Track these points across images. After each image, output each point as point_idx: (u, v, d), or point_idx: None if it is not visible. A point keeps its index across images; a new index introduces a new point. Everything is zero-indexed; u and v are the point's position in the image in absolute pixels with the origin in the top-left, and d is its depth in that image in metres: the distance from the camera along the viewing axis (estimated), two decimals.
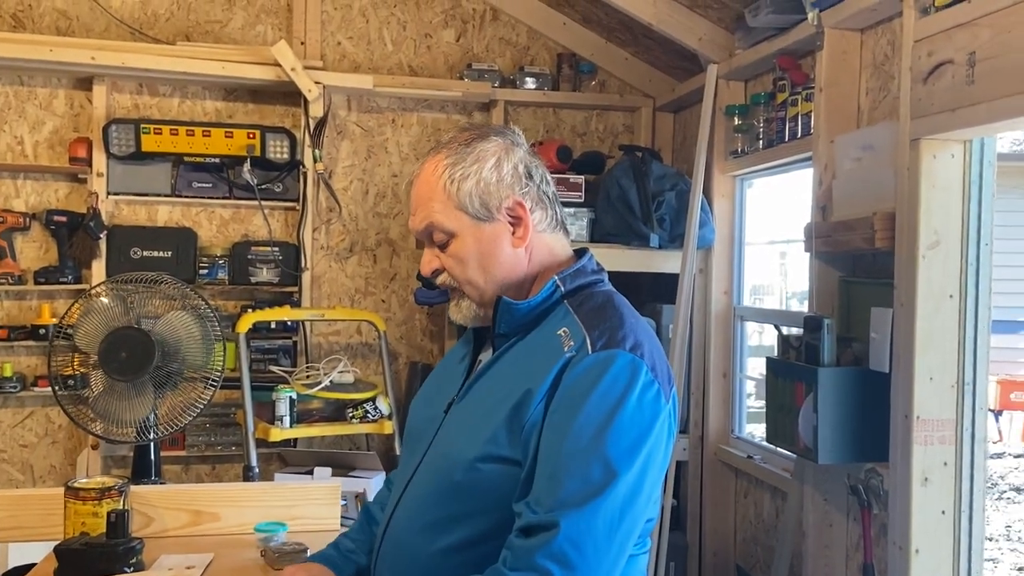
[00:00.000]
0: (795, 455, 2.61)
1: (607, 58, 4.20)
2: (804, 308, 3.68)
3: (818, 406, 2.39)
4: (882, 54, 2.62)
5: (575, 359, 1.37)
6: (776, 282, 4.51)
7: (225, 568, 1.92)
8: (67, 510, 1.99)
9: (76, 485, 2.01)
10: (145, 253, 3.81)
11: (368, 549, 1.68)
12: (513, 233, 1.49)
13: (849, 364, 2.47)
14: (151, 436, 2.38)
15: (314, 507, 2.24)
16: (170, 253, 3.84)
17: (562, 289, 1.49)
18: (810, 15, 2.72)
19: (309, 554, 1.93)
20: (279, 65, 3.62)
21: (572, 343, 1.38)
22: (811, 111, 2.87)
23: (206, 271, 3.87)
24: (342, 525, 2.23)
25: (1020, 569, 5.28)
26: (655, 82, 4.20)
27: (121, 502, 2.03)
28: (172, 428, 2.37)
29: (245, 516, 2.18)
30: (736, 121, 3.37)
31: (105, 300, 2.29)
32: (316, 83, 3.65)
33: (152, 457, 2.46)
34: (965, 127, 2.07)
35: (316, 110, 3.70)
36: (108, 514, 1.87)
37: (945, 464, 2.26)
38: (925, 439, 2.24)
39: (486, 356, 1.56)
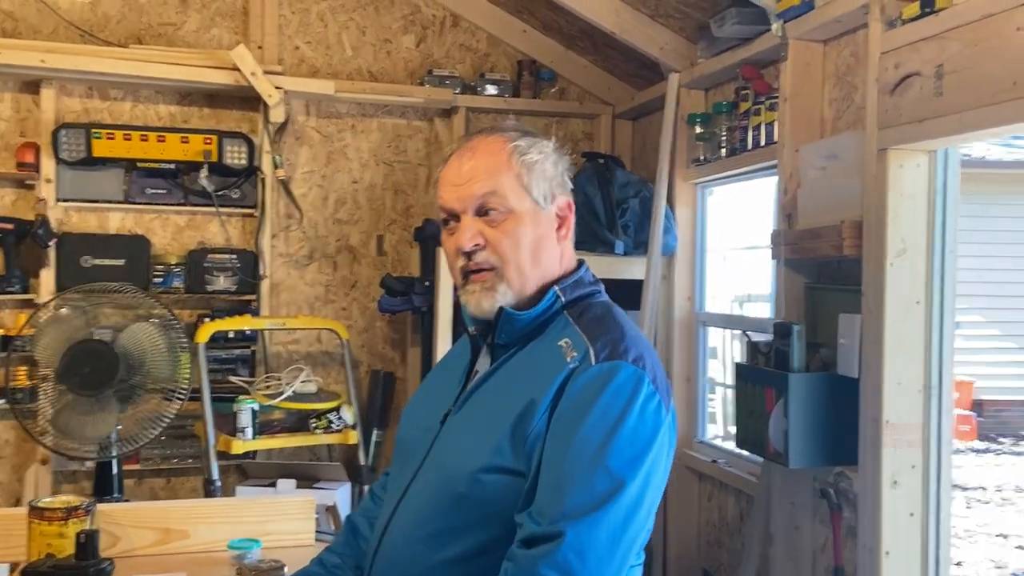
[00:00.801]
0: (765, 459, 2.64)
1: (567, 66, 4.21)
2: (751, 311, 3.74)
3: (789, 411, 2.42)
4: (844, 65, 2.67)
5: (578, 370, 1.37)
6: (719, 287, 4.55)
7: None
8: (31, 531, 1.92)
9: (40, 505, 1.94)
10: (96, 261, 3.71)
11: (354, 563, 1.65)
12: (558, 230, 1.49)
13: (818, 369, 2.51)
14: (114, 452, 2.30)
15: (287, 522, 2.20)
16: (123, 261, 3.74)
17: (562, 299, 1.49)
18: (775, 26, 2.76)
19: (289, 571, 1.89)
20: (238, 69, 3.56)
21: (575, 354, 1.38)
22: (774, 120, 2.91)
23: (160, 280, 3.78)
24: (317, 540, 2.20)
25: (958, 564, 5.41)
26: (614, 90, 4.22)
27: (88, 522, 1.97)
28: (137, 443, 2.30)
29: (216, 533, 2.13)
30: (698, 129, 3.40)
31: (65, 311, 2.21)
32: (277, 88, 3.60)
33: (114, 473, 2.39)
34: (933, 137, 2.12)
35: (277, 115, 3.64)
36: (77, 535, 1.81)
37: (913, 467, 2.30)
38: (894, 442, 2.29)
39: (483, 366, 1.55)
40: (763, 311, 3.51)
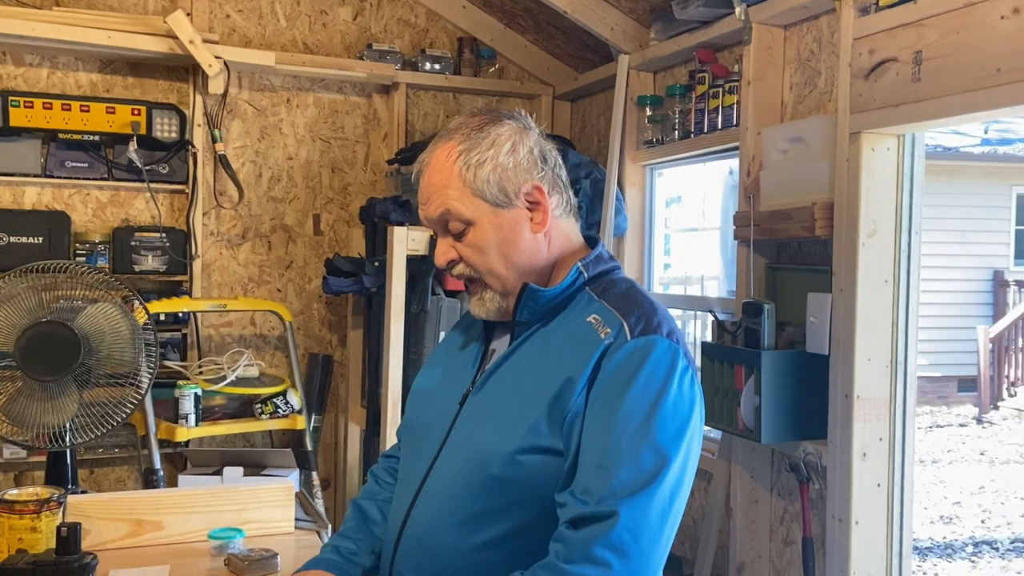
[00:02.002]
0: (733, 436, 2.69)
1: (506, 44, 4.17)
2: (692, 291, 3.81)
3: (761, 388, 2.47)
4: (807, 51, 2.73)
5: (613, 346, 1.36)
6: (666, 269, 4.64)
7: None
8: (0, 526, 1.78)
9: (8, 498, 1.80)
10: (12, 239, 3.47)
11: (370, 549, 1.60)
12: (532, 219, 1.46)
13: (785, 347, 2.57)
14: (70, 441, 2.16)
15: (266, 510, 2.11)
16: (41, 239, 3.51)
17: (585, 276, 1.47)
18: (738, 10, 2.80)
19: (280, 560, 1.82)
20: (172, 36, 3.37)
21: (609, 330, 1.37)
22: (733, 104, 2.96)
23: (83, 259, 3.55)
24: (296, 528, 2.12)
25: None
26: (553, 71, 4.21)
27: (60, 514, 1.84)
28: (99, 430, 2.16)
29: (191, 523, 2.03)
30: (648, 112, 3.43)
31: (18, 290, 2.05)
32: (217, 58, 3.42)
33: (69, 463, 2.24)
34: (910, 122, 2.19)
35: (216, 87, 3.47)
36: (58, 528, 1.69)
37: (880, 439, 2.39)
38: (864, 416, 2.37)
39: (501, 345, 1.52)
40: (711, 291, 3.58)
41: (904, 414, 2.41)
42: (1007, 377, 10.71)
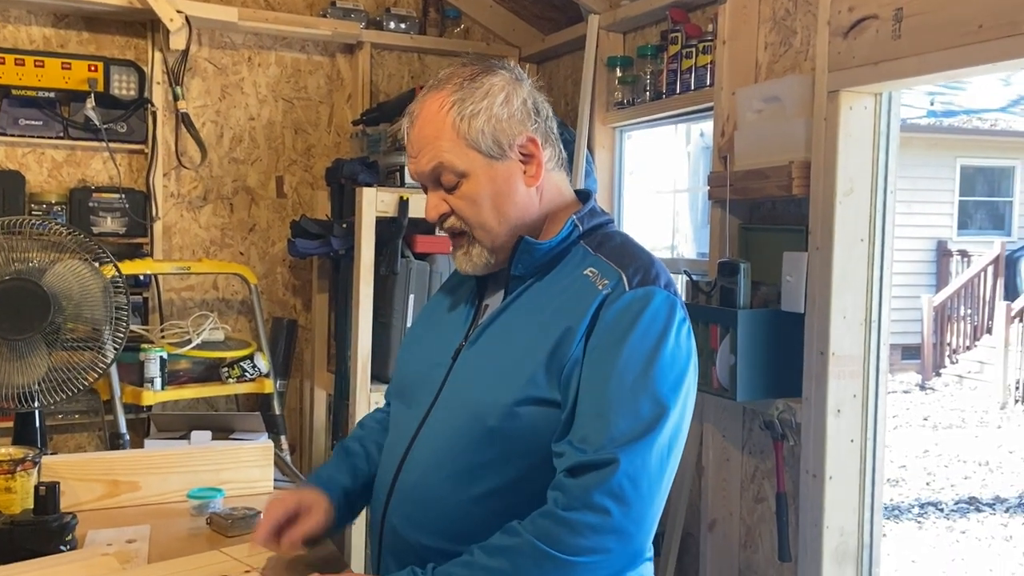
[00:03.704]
0: (707, 395, 2.71)
1: (471, 4, 4.11)
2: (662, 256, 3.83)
3: (737, 347, 2.49)
4: (783, 10, 2.73)
5: (611, 296, 1.36)
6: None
7: (170, 539, 1.74)
8: None
9: None
10: None
11: (350, 472, 1.60)
12: (525, 172, 1.44)
13: (760, 306, 2.59)
14: (39, 403, 2.10)
15: (245, 470, 2.08)
16: None
17: (580, 229, 1.47)
18: None
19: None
20: None
21: (607, 281, 1.37)
22: (707, 64, 2.95)
23: (39, 221, 3.43)
24: (275, 488, 2.10)
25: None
26: (519, 32, 4.16)
27: (35, 474, 1.78)
28: (70, 391, 2.10)
29: (169, 484, 1.99)
30: (619, 73, 3.41)
31: None
32: (178, 12, 3.31)
33: (37, 426, 2.17)
34: (890, 79, 2.20)
35: (178, 43, 3.35)
36: (36, 488, 1.64)
37: (854, 396, 2.43)
38: (839, 374, 2.40)
39: (494, 300, 1.51)
40: (675, 252, 3.59)
41: (877, 371, 2.45)
42: (949, 345, 11.03)
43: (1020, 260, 12.91)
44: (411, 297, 3.22)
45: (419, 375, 1.53)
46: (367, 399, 3.14)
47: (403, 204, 3.09)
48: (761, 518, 2.80)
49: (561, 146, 1.52)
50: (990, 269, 11.21)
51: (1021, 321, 10.21)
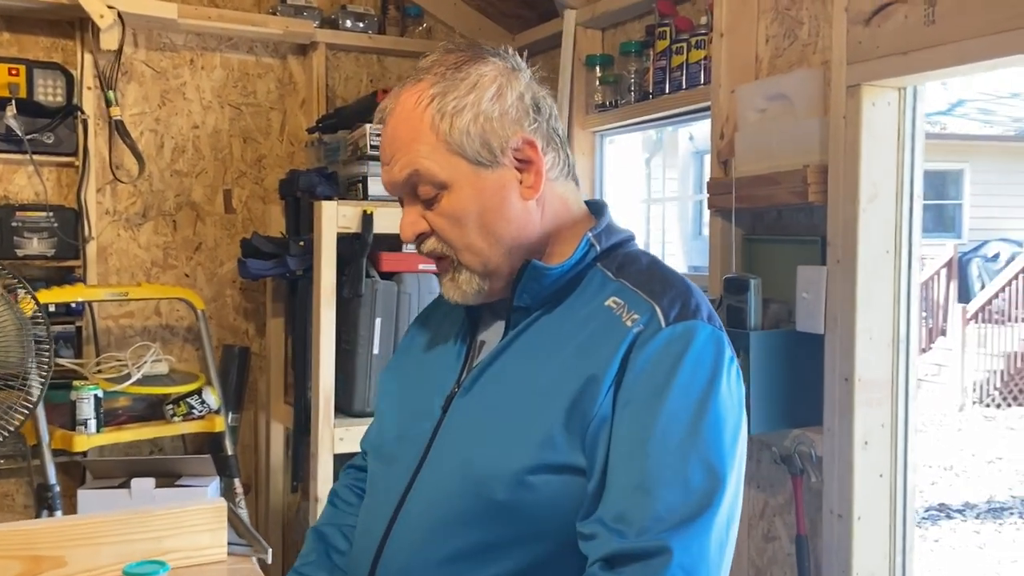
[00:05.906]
0: None
1: (434, 1, 3.82)
2: None
3: (750, 372, 2.22)
4: None
5: (644, 334, 1.08)
6: None
7: None
8: None
9: None
10: None
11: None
12: (521, 182, 1.15)
13: (771, 326, 2.34)
14: None
15: (192, 535, 1.74)
16: None
17: (597, 249, 1.19)
18: None
19: None
20: None
21: (636, 316, 1.10)
22: (700, 60, 2.70)
23: None
24: (230, 554, 1.78)
25: None
26: (486, 31, 3.88)
27: None
28: None
29: (101, 557, 1.66)
30: (599, 72, 3.14)
31: None
32: (109, 8, 2.96)
33: None
34: (922, 71, 1.96)
35: (109, 42, 2.99)
36: None
37: (883, 425, 2.18)
38: (866, 401, 2.15)
39: (492, 335, 1.22)
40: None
41: (907, 397, 2.20)
42: None
43: (971, 263, 13.01)
44: (377, 321, 2.91)
45: (400, 428, 1.25)
46: (330, 435, 2.82)
47: (367, 219, 2.78)
48: (772, 559, 2.54)
49: (568, 150, 1.23)
50: (943, 272, 11.25)
51: (976, 323, 10.24)
